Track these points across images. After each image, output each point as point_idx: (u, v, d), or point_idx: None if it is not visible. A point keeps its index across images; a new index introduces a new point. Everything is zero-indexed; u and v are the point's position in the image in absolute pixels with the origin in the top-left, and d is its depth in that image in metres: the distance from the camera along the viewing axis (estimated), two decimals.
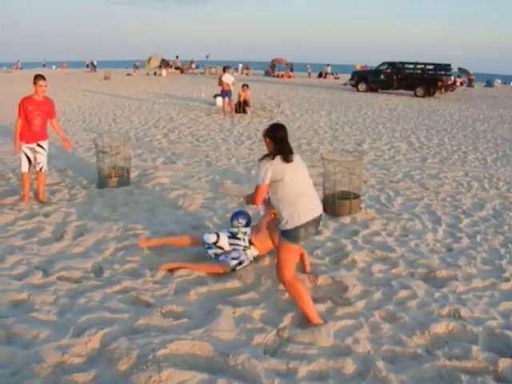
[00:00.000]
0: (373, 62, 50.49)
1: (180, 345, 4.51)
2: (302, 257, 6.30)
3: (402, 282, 6.20)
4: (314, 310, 5.20)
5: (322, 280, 6.14)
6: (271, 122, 5.80)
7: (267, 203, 6.11)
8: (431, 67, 37.63)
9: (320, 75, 65.90)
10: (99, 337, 4.66)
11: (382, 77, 38.59)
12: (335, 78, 63.69)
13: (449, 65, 38.05)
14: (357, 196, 8.85)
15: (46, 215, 8.25)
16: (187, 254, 6.77)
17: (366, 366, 4.43)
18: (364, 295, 5.84)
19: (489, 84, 61.10)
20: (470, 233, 8.22)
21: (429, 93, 36.56)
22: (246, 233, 6.68)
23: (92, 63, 71.97)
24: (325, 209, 8.77)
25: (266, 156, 5.29)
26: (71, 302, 5.36)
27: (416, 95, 36.59)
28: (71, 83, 41.60)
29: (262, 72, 69.51)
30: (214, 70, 62.89)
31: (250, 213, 7.36)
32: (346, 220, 8.46)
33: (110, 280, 5.96)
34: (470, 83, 57.38)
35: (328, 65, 67.93)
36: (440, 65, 37.62)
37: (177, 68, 65.76)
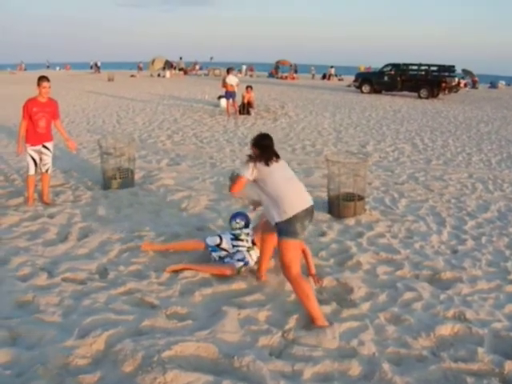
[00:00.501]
0: (376, 64, 50.44)
1: (185, 346, 4.50)
2: (306, 258, 6.32)
3: (407, 283, 6.19)
4: (319, 311, 5.20)
5: (327, 282, 6.14)
6: (258, 133, 5.96)
7: (257, 205, 6.33)
8: (435, 69, 37.57)
9: (324, 77, 65.85)
10: (104, 338, 4.65)
11: (386, 78, 38.55)
12: (339, 80, 63.63)
13: (453, 66, 38.00)
14: (361, 198, 8.84)
15: (51, 216, 8.25)
16: (192, 256, 6.75)
17: (372, 368, 4.42)
18: (369, 297, 5.83)
19: (493, 85, 60.99)
20: (474, 235, 8.20)
21: (433, 94, 36.49)
22: (248, 234, 6.68)
23: (96, 64, 72.07)
24: (329, 210, 8.80)
25: (252, 158, 5.50)
26: (76, 304, 5.36)
27: (420, 97, 36.52)
28: (75, 84, 41.64)
29: (266, 73, 69.50)
30: (217, 72, 62.90)
31: (250, 215, 7.33)
32: (351, 222, 8.45)
33: (114, 281, 5.96)
34: (473, 85, 57.27)
35: (332, 66, 67.89)
36: (444, 66, 37.57)
37: (180, 69, 65.77)
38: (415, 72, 38.14)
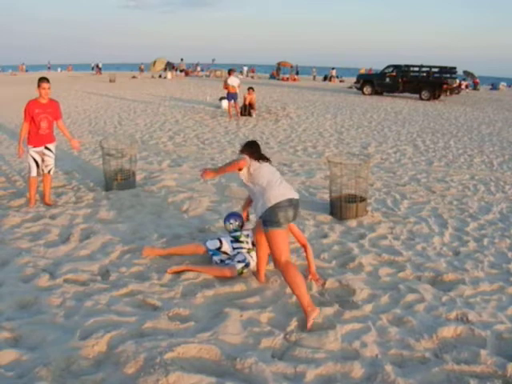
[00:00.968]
0: (377, 66, 50.47)
1: (187, 348, 4.49)
2: (307, 256, 6.37)
3: (410, 285, 6.17)
4: (308, 298, 5.29)
5: (329, 283, 6.12)
6: (247, 140, 6.41)
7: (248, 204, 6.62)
8: (436, 70, 37.61)
9: (325, 78, 65.90)
10: (106, 340, 4.64)
11: (388, 80, 38.57)
12: (340, 81, 63.68)
13: (454, 68, 38.02)
14: (363, 199, 8.83)
15: (53, 218, 8.25)
16: (193, 257, 6.73)
17: (374, 370, 4.40)
18: (371, 299, 5.82)
19: (494, 87, 61.06)
20: (476, 236, 8.19)
21: (434, 96, 36.53)
22: (248, 235, 6.67)
23: (97, 66, 72.25)
24: (331, 212, 8.79)
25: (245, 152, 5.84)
26: (78, 305, 5.35)
27: (421, 98, 36.58)
28: (77, 86, 41.69)
29: (267, 75, 69.57)
30: (219, 73, 62.99)
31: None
32: (353, 223, 8.44)
33: (116, 283, 5.95)
34: (475, 86, 57.33)
35: (333, 68, 67.90)
36: (445, 68, 37.60)
37: (182, 71, 65.82)
38: (416, 73, 38.17)
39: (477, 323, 5.34)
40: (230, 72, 23.22)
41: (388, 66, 39.08)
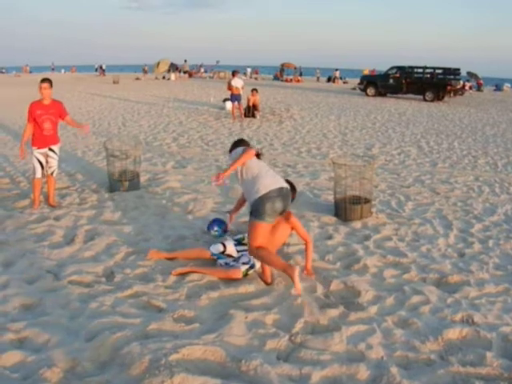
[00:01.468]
0: (380, 66, 50.48)
1: (192, 350, 4.48)
2: (307, 251, 6.43)
3: (415, 287, 6.15)
4: (284, 263, 5.63)
5: (334, 285, 6.10)
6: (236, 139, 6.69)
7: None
8: (440, 71, 37.59)
9: (329, 79, 65.87)
10: (111, 341, 4.63)
11: (391, 81, 38.56)
12: (344, 83, 63.63)
13: (458, 69, 37.98)
14: (368, 201, 8.81)
15: (57, 219, 8.24)
16: (198, 259, 6.73)
17: (380, 372, 4.39)
18: (376, 300, 5.80)
19: (498, 88, 60.96)
20: (481, 238, 8.16)
21: (438, 97, 36.50)
22: None
23: (101, 67, 72.34)
24: (336, 213, 8.77)
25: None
26: (83, 307, 5.34)
27: (425, 99, 36.55)
28: (80, 87, 41.74)
29: (271, 76, 69.57)
30: (222, 75, 63.02)
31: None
32: (357, 225, 8.43)
33: (121, 284, 5.94)
34: (478, 87, 57.26)
35: (337, 69, 67.86)
36: (449, 69, 37.59)
37: (185, 72, 65.84)
38: (420, 75, 38.16)
39: (482, 325, 5.32)
40: (233, 73, 23.22)
41: (392, 68, 39.05)
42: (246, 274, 6.23)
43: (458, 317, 5.47)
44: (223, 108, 25.41)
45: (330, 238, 7.79)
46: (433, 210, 9.53)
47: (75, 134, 17.21)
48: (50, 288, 5.82)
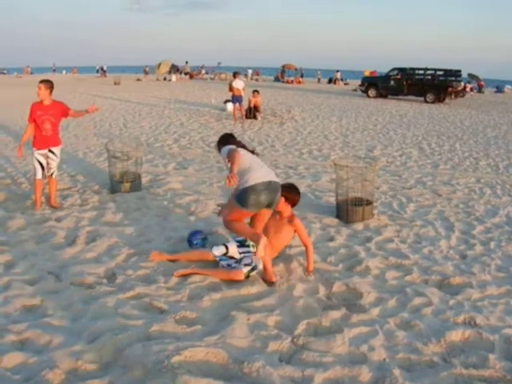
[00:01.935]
0: (381, 68, 50.51)
1: (194, 352, 4.47)
2: (307, 255, 6.52)
3: (417, 289, 6.14)
4: (252, 231, 5.99)
5: (336, 287, 6.09)
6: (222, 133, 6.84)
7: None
8: (441, 73, 37.60)
9: (330, 81, 65.87)
10: (113, 343, 4.62)
11: (392, 83, 38.58)
12: (345, 84, 63.67)
13: (459, 71, 37.99)
14: (369, 202, 8.81)
15: (58, 220, 8.24)
16: (201, 261, 6.72)
17: (382, 374, 4.38)
18: (378, 302, 5.79)
19: (499, 90, 60.91)
20: (483, 240, 8.15)
21: (439, 99, 36.50)
22: None
23: (102, 68, 72.41)
24: (337, 215, 8.76)
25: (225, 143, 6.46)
26: (84, 308, 5.33)
27: (426, 101, 36.55)
28: (81, 88, 41.77)
29: (272, 78, 69.59)
30: (223, 76, 63.07)
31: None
32: (359, 226, 8.42)
33: (123, 286, 5.92)
34: (479, 89, 57.24)
35: (338, 71, 67.86)
36: (450, 71, 37.61)
37: (186, 73, 65.88)
38: (421, 76, 38.18)
39: (485, 327, 5.31)
40: (235, 75, 23.24)
41: (393, 69, 39.06)
42: (247, 276, 6.21)
43: (461, 319, 5.46)
44: (224, 109, 25.40)
45: (331, 239, 7.79)
46: (434, 211, 9.52)
47: (76, 135, 17.23)
48: (52, 289, 5.81)
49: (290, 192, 6.56)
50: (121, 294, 5.68)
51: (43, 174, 8.76)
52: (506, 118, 28.37)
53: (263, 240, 5.66)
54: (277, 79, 66.17)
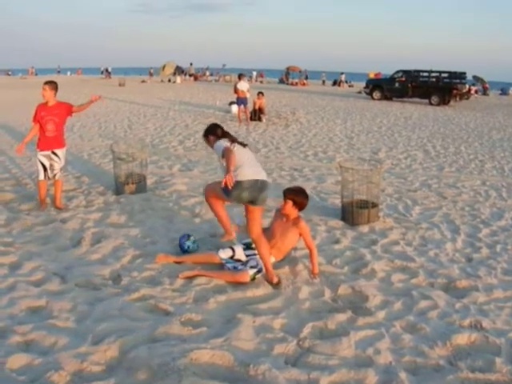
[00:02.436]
0: (386, 70, 50.50)
1: (200, 354, 4.46)
2: (312, 259, 6.51)
3: (423, 292, 6.12)
4: (228, 223, 6.54)
5: (342, 289, 6.08)
6: (210, 123, 6.88)
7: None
8: (446, 75, 37.56)
9: (334, 83, 65.86)
10: (118, 345, 4.63)
11: (397, 85, 38.53)
12: (349, 86, 63.62)
13: (464, 73, 37.95)
14: (375, 205, 8.78)
15: (63, 221, 8.24)
16: (207, 263, 6.71)
17: (389, 378, 4.37)
18: (384, 305, 5.78)
19: (504, 92, 60.77)
20: (489, 243, 8.12)
21: (444, 101, 36.42)
22: None
23: (107, 70, 72.59)
24: (343, 217, 8.74)
25: (217, 136, 6.48)
26: (89, 309, 5.34)
27: (431, 103, 36.48)
28: (86, 90, 41.77)
29: (276, 80, 69.58)
30: (228, 78, 63.10)
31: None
32: (365, 229, 8.39)
33: (128, 287, 5.92)
34: (484, 91, 57.14)
35: (342, 73, 67.84)
36: (455, 73, 37.56)
37: (191, 75, 65.95)
38: (426, 79, 38.13)
39: (491, 330, 5.29)
40: (239, 77, 23.22)
41: (397, 71, 39.05)
42: (253, 278, 6.20)
43: (467, 322, 5.44)
44: (229, 111, 25.36)
45: (337, 242, 7.77)
46: (440, 214, 9.49)
47: (81, 136, 17.25)
48: (57, 291, 5.82)
49: (298, 196, 6.54)
50: (126, 295, 5.69)
51: (45, 175, 8.77)
52: (511, 120, 28.29)
53: (230, 237, 6.53)
54: (281, 81, 66.17)
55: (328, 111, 28.95)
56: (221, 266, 6.54)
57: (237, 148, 6.14)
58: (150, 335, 4.85)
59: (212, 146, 6.50)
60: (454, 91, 36.14)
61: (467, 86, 40.84)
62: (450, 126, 24.24)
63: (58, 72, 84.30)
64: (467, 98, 41.69)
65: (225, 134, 6.48)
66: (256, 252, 6.43)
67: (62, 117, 8.78)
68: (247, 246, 6.64)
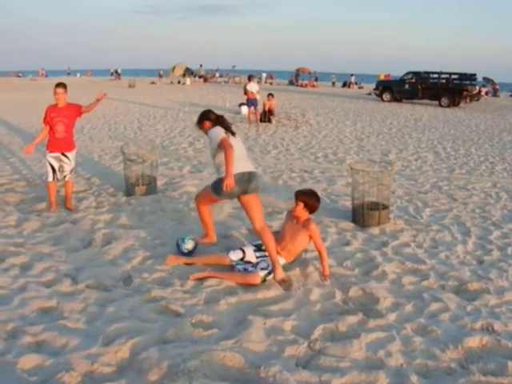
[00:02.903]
0: (396, 72, 50.36)
1: (211, 356, 4.45)
2: (322, 261, 6.50)
3: (434, 294, 6.09)
4: (212, 228, 7.32)
5: (353, 291, 6.06)
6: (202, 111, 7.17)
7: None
8: (456, 77, 37.47)
9: (344, 85, 65.82)
10: (129, 346, 4.63)
11: (407, 86, 38.45)
12: (359, 88, 63.57)
13: (474, 74, 37.86)
14: (385, 207, 8.76)
15: (74, 222, 8.26)
16: (217, 265, 6.70)
17: (400, 380, 4.34)
18: (395, 307, 5.75)
19: None
20: (500, 245, 8.08)
21: (454, 103, 36.31)
22: None
23: (116, 71, 72.78)
24: (353, 219, 8.72)
25: (212, 121, 6.76)
26: (100, 311, 5.35)
27: (441, 105, 36.37)
28: (96, 91, 41.80)
29: (286, 81, 69.60)
30: (237, 79, 63.14)
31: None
32: (375, 231, 8.37)
33: (139, 289, 5.93)
34: (495, 93, 56.95)
35: (352, 74, 67.80)
36: (465, 74, 37.46)
37: (200, 77, 66.03)
38: (436, 80, 38.05)
39: (503, 333, 5.25)
40: (249, 78, 23.22)
41: (407, 73, 38.99)
42: (264, 280, 6.18)
43: (478, 325, 5.40)
44: (239, 113, 25.33)
45: (347, 244, 7.75)
46: (451, 216, 9.45)
47: (91, 137, 17.31)
48: (68, 292, 5.83)
49: (310, 198, 6.51)
50: (137, 296, 5.69)
51: (55, 176, 8.79)
52: None
53: (209, 240, 7.31)
54: (291, 83, 66.21)
55: (338, 113, 28.92)
56: (231, 268, 6.53)
57: (233, 140, 6.41)
58: (161, 336, 4.85)
59: (206, 133, 6.79)
60: (464, 93, 36.02)
61: (477, 88, 40.73)
62: (460, 127, 24.16)
63: (68, 74, 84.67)
64: (477, 100, 41.58)
65: (218, 118, 6.78)
66: (266, 254, 6.42)
67: (72, 118, 8.82)
68: (258, 248, 6.63)
